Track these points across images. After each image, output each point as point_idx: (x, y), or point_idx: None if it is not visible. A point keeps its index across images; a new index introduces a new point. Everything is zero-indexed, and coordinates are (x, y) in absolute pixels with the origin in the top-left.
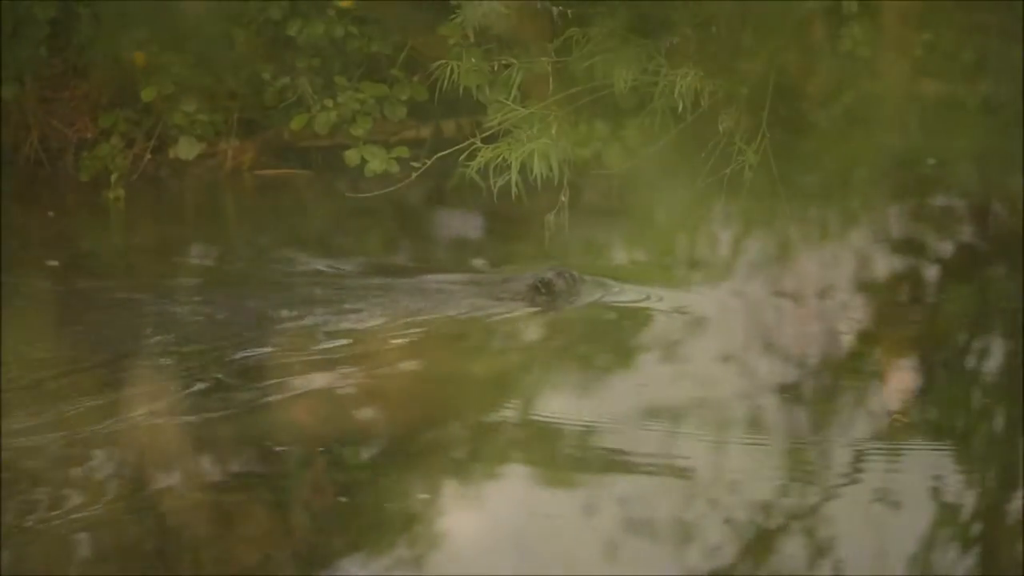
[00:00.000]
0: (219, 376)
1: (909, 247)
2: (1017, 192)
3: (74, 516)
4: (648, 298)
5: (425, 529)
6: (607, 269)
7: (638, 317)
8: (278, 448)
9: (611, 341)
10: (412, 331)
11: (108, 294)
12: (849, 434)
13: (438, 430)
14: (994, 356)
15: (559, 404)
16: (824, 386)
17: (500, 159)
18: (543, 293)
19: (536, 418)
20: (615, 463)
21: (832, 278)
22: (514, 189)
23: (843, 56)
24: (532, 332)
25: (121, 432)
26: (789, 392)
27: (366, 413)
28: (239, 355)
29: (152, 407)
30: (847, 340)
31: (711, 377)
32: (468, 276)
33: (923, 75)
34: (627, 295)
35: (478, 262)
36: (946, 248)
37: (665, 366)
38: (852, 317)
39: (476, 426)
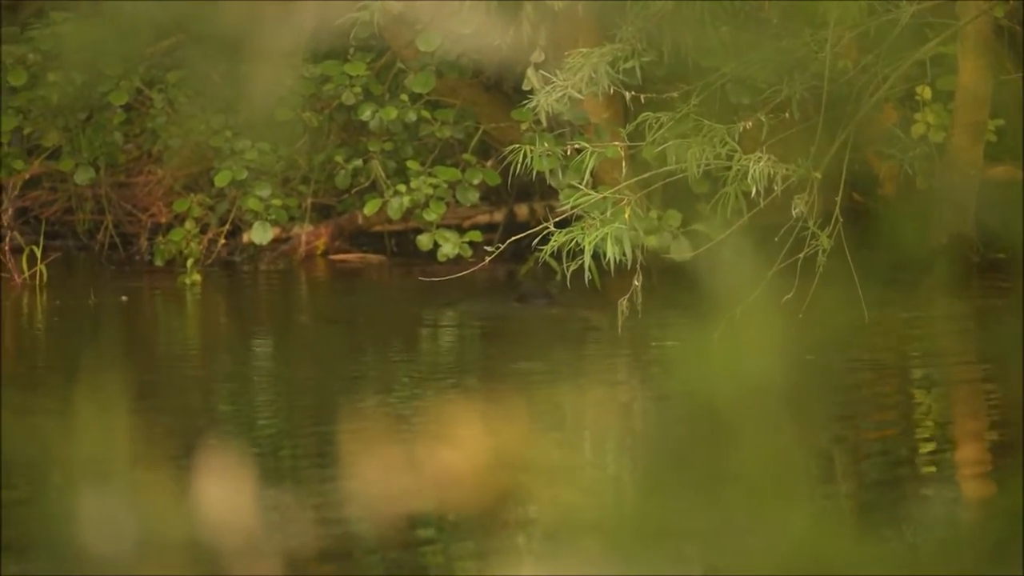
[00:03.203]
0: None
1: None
2: None
3: None
4: None
5: None
6: None
7: None
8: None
9: None
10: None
11: (186, 379)
12: None
13: None
14: None
15: None
16: None
17: (573, 243)
18: None
19: None
20: None
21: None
22: (587, 274)
23: (916, 141)
24: None
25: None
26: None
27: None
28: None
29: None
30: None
31: None
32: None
33: (995, 160)
34: None
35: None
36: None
37: None
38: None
39: None
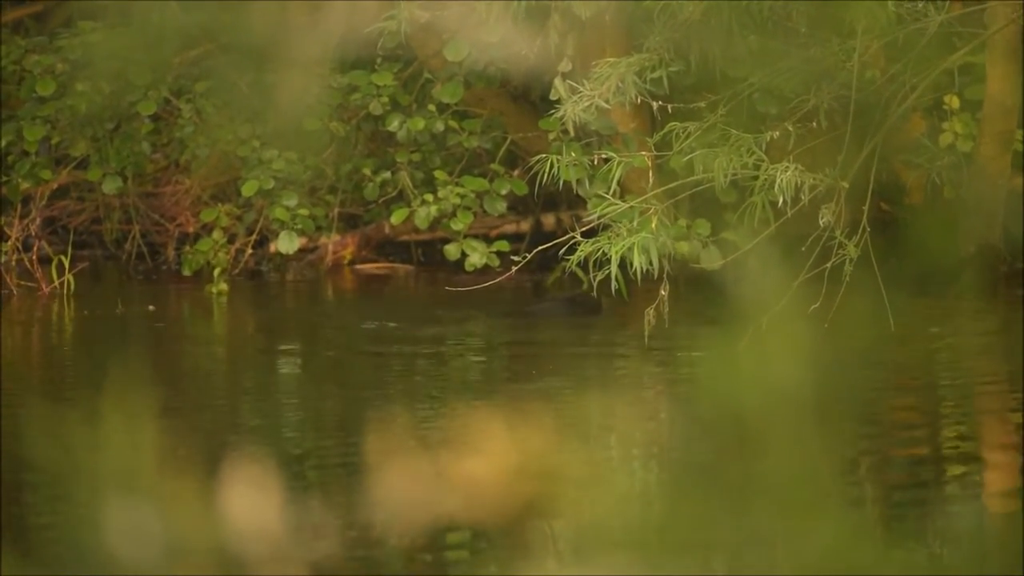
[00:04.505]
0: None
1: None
2: None
3: None
4: None
5: None
6: None
7: None
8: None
9: None
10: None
11: (213, 388)
12: None
13: None
14: None
15: None
16: None
17: (600, 253)
18: None
19: None
20: None
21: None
22: (614, 283)
23: (944, 150)
24: None
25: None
26: None
27: None
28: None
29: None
30: None
31: None
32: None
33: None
34: None
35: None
36: None
37: None
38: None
39: None
